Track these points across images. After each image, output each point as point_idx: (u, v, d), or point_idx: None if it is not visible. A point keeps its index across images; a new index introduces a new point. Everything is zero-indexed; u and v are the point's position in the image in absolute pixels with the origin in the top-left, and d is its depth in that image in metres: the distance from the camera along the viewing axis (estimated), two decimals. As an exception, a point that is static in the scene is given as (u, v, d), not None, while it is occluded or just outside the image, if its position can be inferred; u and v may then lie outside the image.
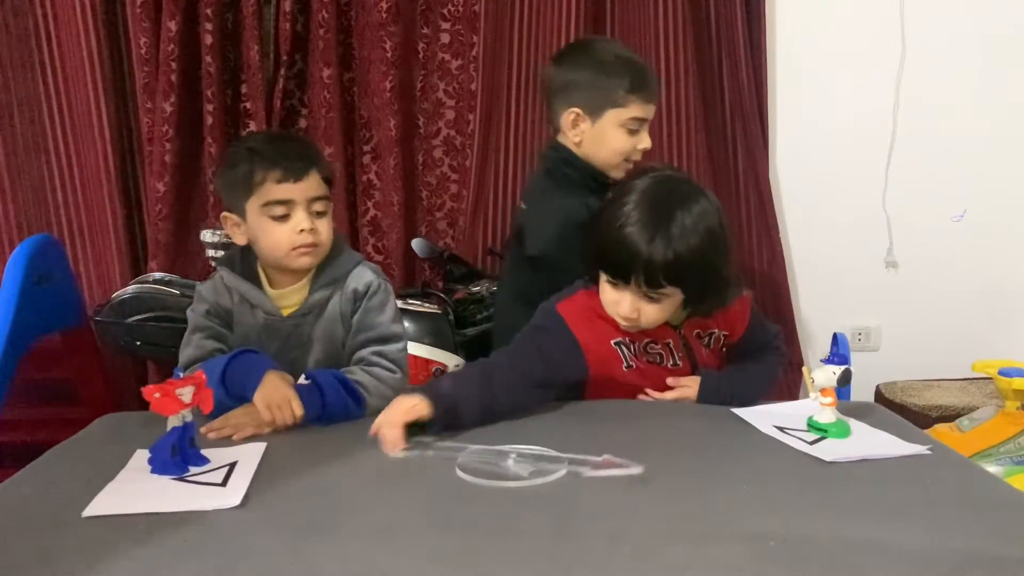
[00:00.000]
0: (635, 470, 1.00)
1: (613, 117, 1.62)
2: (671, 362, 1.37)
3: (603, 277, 1.30)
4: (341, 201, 2.26)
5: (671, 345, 1.36)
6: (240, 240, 1.35)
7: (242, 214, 1.32)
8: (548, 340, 1.32)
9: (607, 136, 1.63)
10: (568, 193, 1.63)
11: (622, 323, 1.30)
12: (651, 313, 1.27)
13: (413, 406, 1.12)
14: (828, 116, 2.43)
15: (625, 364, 1.35)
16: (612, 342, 1.34)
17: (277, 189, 1.28)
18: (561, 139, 1.68)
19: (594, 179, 1.66)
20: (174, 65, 2.13)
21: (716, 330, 1.39)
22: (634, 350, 1.35)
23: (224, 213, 1.35)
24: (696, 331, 1.38)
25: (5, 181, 2.24)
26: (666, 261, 1.20)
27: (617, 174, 1.67)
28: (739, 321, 1.41)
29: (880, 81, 2.42)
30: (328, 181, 1.35)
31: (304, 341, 1.35)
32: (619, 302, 1.27)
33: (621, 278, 1.25)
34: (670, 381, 1.35)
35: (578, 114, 1.63)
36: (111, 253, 2.26)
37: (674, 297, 1.27)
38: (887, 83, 2.42)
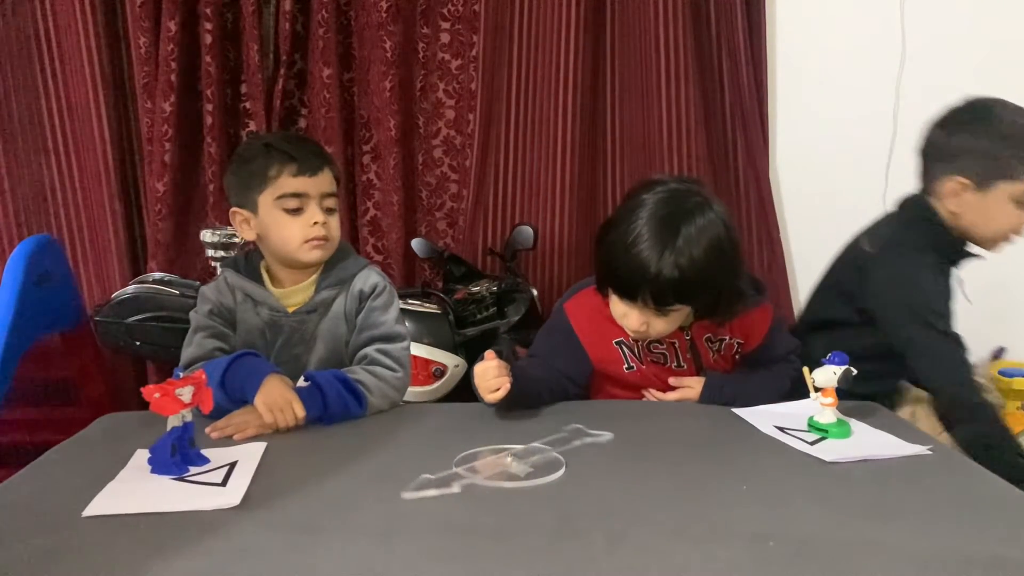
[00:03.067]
0: (604, 437, 1.06)
1: (1005, 190, 1.48)
2: (675, 363, 1.36)
3: (611, 290, 1.30)
4: (341, 201, 2.25)
5: (677, 346, 1.36)
6: (249, 236, 1.36)
7: (254, 208, 1.33)
8: (554, 337, 1.36)
9: (993, 210, 1.50)
10: (923, 255, 1.52)
11: (631, 334, 1.31)
12: (660, 326, 1.28)
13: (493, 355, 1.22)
14: (828, 116, 2.43)
15: (626, 365, 1.35)
16: (614, 342, 1.34)
17: (292, 182, 1.30)
18: (932, 201, 1.55)
19: (955, 249, 1.55)
20: (174, 65, 2.13)
21: (729, 337, 1.38)
22: (637, 350, 1.35)
23: (233, 209, 1.36)
24: (707, 335, 1.37)
25: (5, 181, 2.25)
26: (672, 282, 1.19)
27: (992, 249, 1.56)
28: (757, 330, 1.40)
29: (880, 81, 2.42)
30: (337, 181, 1.38)
31: (308, 338, 1.36)
32: (627, 315, 1.28)
33: (628, 297, 1.25)
34: (672, 381, 1.35)
35: (964, 183, 1.50)
36: (111, 253, 2.26)
37: (683, 311, 1.27)
38: (887, 83, 2.42)
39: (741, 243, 1.28)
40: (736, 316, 1.33)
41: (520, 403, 1.25)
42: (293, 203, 1.31)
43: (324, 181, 1.33)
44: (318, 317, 1.36)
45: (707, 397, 1.33)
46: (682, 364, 1.36)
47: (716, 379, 1.35)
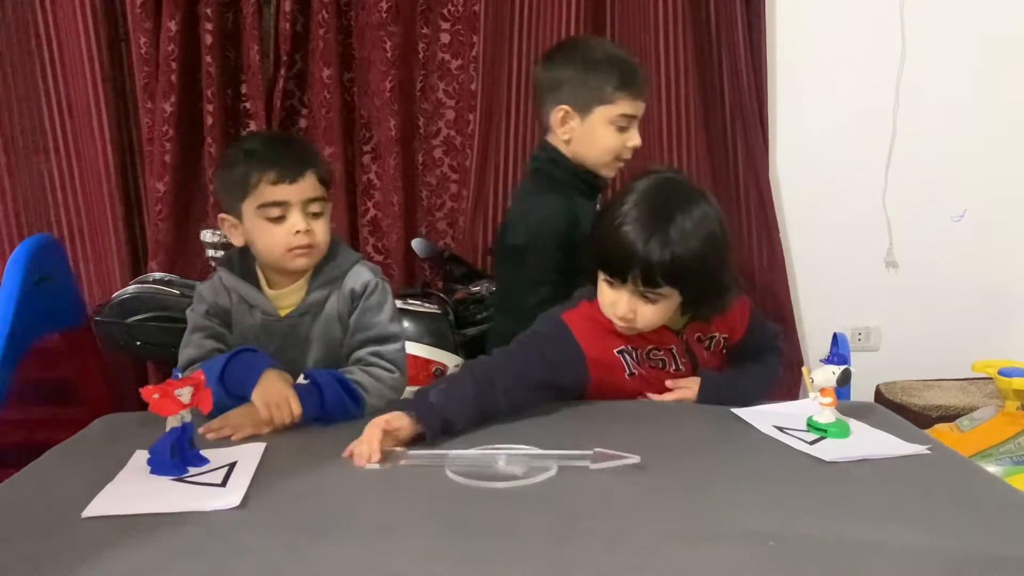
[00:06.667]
0: (631, 460, 1.00)
1: (602, 114, 1.61)
2: (674, 366, 1.36)
3: (601, 277, 1.28)
4: (341, 201, 2.26)
5: (674, 351, 1.36)
6: (238, 241, 1.35)
7: (239, 215, 1.32)
8: (551, 347, 1.30)
9: (596, 134, 1.63)
10: (552, 193, 1.64)
11: (618, 323, 1.28)
12: (648, 315, 1.26)
13: (387, 420, 1.08)
14: (828, 116, 2.43)
15: (628, 372, 1.34)
16: (615, 351, 1.33)
17: (272, 191, 1.28)
18: (551, 139, 1.68)
19: (581, 179, 1.66)
20: (174, 65, 2.13)
21: (716, 334, 1.39)
22: (637, 357, 1.34)
23: (221, 215, 1.35)
24: (697, 335, 1.38)
25: (5, 181, 2.24)
26: (664, 260, 1.19)
27: (608, 173, 1.68)
28: (738, 323, 1.40)
29: (880, 81, 2.42)
30: (325, 182, 1.34)
31: (302, 341, 1.36)
32: (616, 303, 1.26)
33: (618, 277, 1.24)
34: (669, 383, 1.35)
35: (567, 111, 1.62)
36: (111, 253, 2.26)
37: (671, 299, 1.26)
38: (887, 83, 2.42)
39: (732, 242, 1.30)
40: (725, 310, 1.33)
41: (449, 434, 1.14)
42: (275, 212, 1.28)
43: (306, 187, 1.29)
44: (311, 319, 1.35)
45: (704, 396, 1.33)
46: (680, 367, 1.37)
47: (712, 378, 1.35)
